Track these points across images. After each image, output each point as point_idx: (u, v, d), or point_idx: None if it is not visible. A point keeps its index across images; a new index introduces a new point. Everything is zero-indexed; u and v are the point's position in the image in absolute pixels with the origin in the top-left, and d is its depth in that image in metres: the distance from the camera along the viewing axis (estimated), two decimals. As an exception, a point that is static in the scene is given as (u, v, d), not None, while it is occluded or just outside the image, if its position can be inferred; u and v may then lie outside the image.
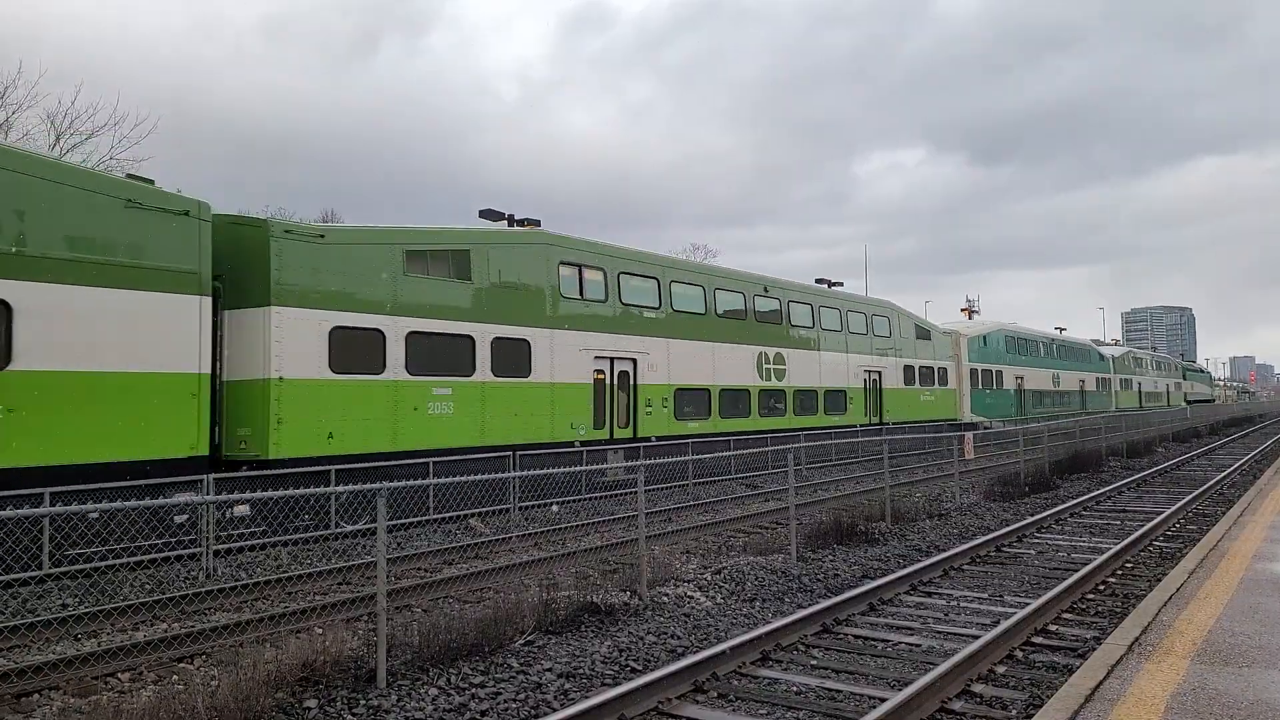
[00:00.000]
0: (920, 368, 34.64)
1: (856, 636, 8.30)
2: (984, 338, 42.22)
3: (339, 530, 13.38)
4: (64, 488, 10.87)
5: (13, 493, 10.46)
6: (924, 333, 35.56)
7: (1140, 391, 67.55)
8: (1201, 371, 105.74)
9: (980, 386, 40.85)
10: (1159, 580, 9.62)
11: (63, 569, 10.49)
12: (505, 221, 30.36)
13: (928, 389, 34.94)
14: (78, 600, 9.82)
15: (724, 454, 21.34)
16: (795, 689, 6.82)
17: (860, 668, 7.35)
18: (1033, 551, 12.67)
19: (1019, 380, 45.43)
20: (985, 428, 36.69)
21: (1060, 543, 13.37)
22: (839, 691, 6.75)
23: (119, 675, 7.23)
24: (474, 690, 6.75)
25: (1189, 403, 78.31)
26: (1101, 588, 10.18)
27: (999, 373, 43.22)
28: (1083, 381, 55.61)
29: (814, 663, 7.51)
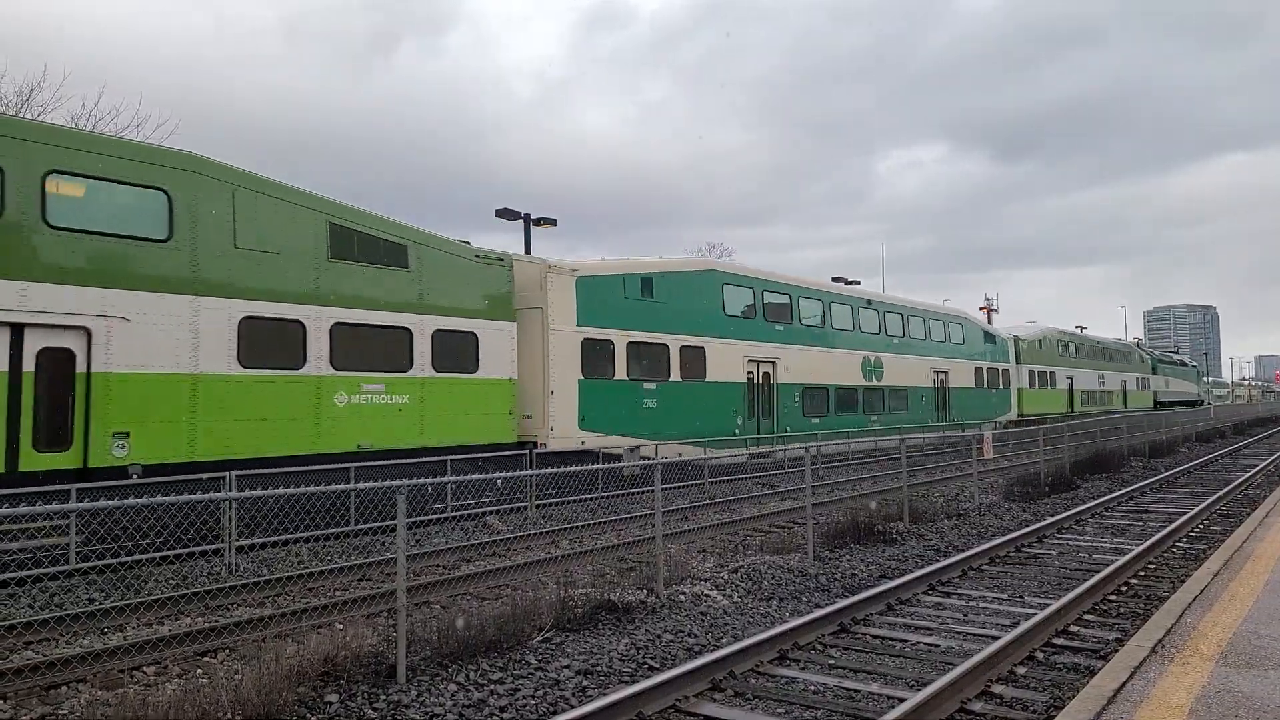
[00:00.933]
0: (352, 328, 15.32)
1: (874, 636, 8.28)
2: (638, 280, 21.76)
3: (360, 527, 13.47)
4: (94, 484, 11.01)
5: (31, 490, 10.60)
6: (387, 253, 16.03)
7: (1072, 391, 47.91)
8: (1184, 364, 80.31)
9: (630, 373, 21.09)
10: (1183, 582, 9.54)
11: (89, 564, 10.63)
12: (521, 221, 30.46)
13: (378, 378, 15.67)
14: (104, 595, 9.95)
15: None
16: (813, 688, 6.82)
17: (878, 667, 7.33)
18: (1053, 552, 12.58)
19: (760, 368, 25.54)
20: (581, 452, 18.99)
21: (1081, 543, 13.26)
22: (857, 691, 6.74)
23: (144, 669, 7.33)
24: (493, 686, 6.80)
25: (1160, 405, 60.00)
26: (1124, 589, 10.10)
27: (695, 351, 23.02)
28: (943, 375, 35.35)
29: (832, 662, 7.50)
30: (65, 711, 6.31)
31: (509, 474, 11.20)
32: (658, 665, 7.40)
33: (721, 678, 6.88)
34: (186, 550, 11.54)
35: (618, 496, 17.57)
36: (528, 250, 28.10)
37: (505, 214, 30.00)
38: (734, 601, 9.65)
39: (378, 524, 13.01)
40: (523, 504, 16.27)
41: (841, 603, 8.87)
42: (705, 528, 14.76)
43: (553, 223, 31.23)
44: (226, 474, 11.69)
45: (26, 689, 6.78)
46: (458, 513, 15.22)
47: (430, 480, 8.06)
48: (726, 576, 10.59)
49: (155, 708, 5.75)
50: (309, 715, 6.22)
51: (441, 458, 16.00)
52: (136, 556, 10.72)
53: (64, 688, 6.89)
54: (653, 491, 10.26)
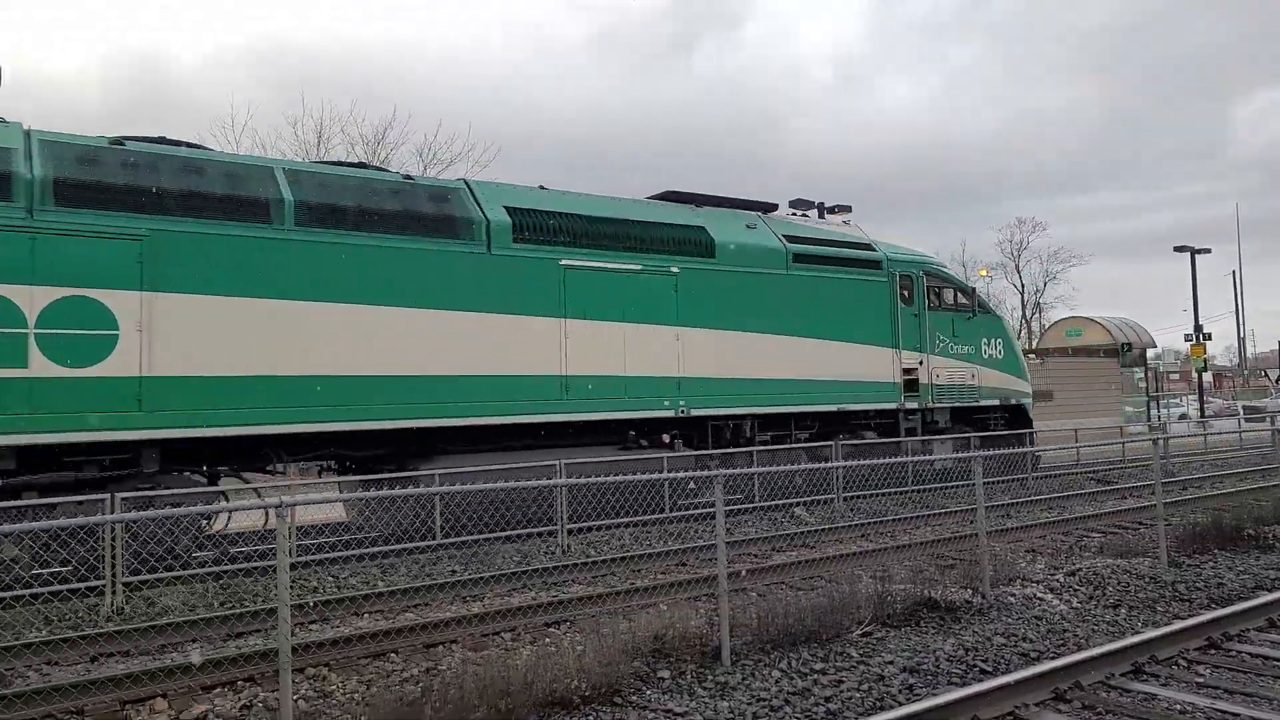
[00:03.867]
0: None
1: (1254, 655, 7.18)
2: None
3: (675, 514, 14.15)
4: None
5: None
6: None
7: None
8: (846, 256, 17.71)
9: None
10: None
11: (451, 539, 12.18)
12: (815, 211, 30.19)
13: None
14: (463, 567, 11.34)
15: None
16: (1177, 707, 6.07)
17: (1261, 690, 6.36)
18: None
19: None
20: None
21: None
22: (1236, 715, 5.90)
23: (502, 635, 8.24)
24: (815, 676, 6.82)
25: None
26: None
27: None
28: None
29: (1199, 680, 6.62)
30: (444, 667, 7.26)
31: (817, 465, 11.18)
32: (989, 669, 6.99)
33: (1066, 688, 6.34)
34: (526, 532, 12.81)
35: (930, 491, 16.83)
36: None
37: (799, 204, 29.90)
38: (1073, 607, 8.85)
39: (691, 512, 13.64)
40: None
41: (1208, 615, 7.81)
42: (1032, 526, 13.69)
43: (847, 209, 30.64)
44: (557, 462, 12.81)
45: (410, 646, 7.90)
46: (765, 504, 15.43)
47: (741, 471, 8.23)
48: (1062, 580, 9.74)
49: (515, 669, 6.45)
50: (644, 688, 6.64)
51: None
52: (488, 535, 12.15)
53: (440, 647, 7.94)
54: (973, 486, 9.72)
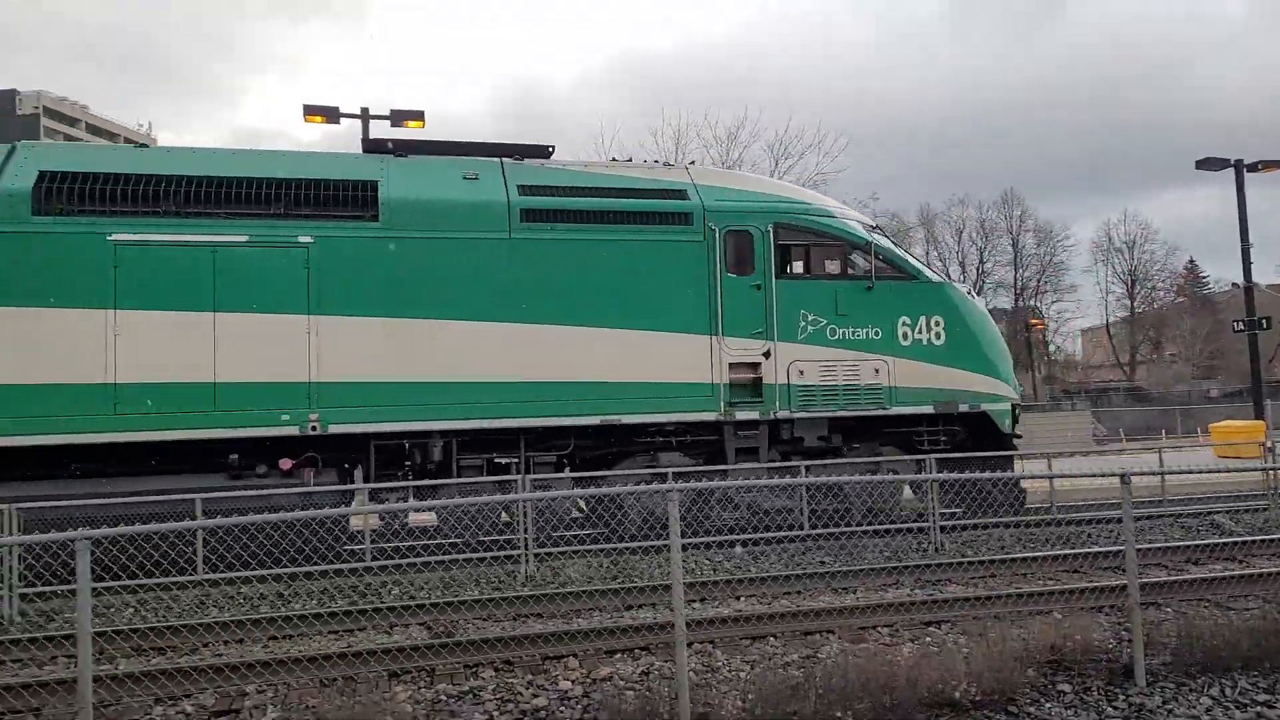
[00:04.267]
0: None
1: None
2: None
3: (1060, 518, 12.96)
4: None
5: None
6: None
7: None
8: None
9: None
10: None
11: (816, 531, 12.29)
12: (1233, 169, 25.79)
13: None
14: (833, 559, 11.39)
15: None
16: None
17: None
18: None
19: None
20: None
21: None
22: None
23: (879, 629, 8.14)
24: (1260, 708, 5.86)
25: None
26: None
27: None
28: None
29: None
30: (823, 655, 7.35)
31: (1228, 470, 9.55)
32: None
33: None
34: (894, 528, 12.53)
35: None
36: (1242, 208, 24.02)
37: (1208, 164, 25.87)
38: None
39: (1079, 515, 12.41)
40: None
41: None
42: None
43: (1275, 165, 25.87)
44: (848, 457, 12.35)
45: (788, 631, 8.08)
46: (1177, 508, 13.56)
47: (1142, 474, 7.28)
48: None
49: (897, 665, 6.34)
50: (1041, 699, 6.18)
51: None
52: (858, 528, 12.09)
53: (816, 635, 8.03)
54: None
